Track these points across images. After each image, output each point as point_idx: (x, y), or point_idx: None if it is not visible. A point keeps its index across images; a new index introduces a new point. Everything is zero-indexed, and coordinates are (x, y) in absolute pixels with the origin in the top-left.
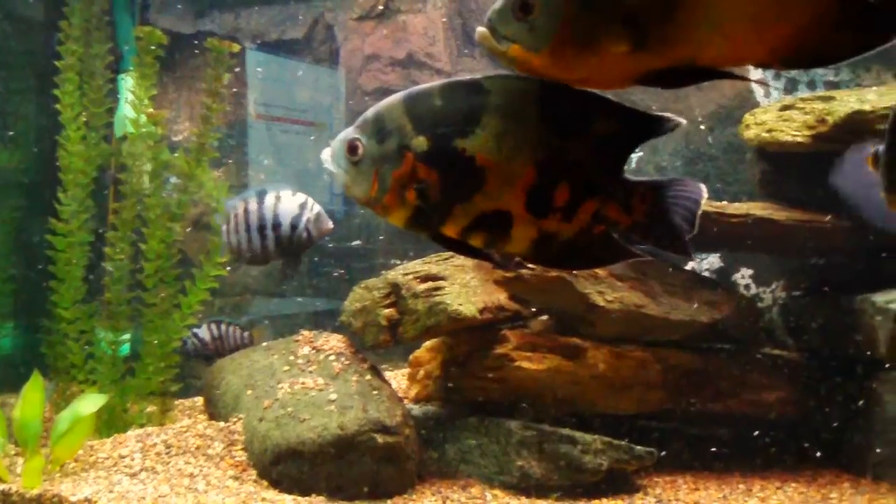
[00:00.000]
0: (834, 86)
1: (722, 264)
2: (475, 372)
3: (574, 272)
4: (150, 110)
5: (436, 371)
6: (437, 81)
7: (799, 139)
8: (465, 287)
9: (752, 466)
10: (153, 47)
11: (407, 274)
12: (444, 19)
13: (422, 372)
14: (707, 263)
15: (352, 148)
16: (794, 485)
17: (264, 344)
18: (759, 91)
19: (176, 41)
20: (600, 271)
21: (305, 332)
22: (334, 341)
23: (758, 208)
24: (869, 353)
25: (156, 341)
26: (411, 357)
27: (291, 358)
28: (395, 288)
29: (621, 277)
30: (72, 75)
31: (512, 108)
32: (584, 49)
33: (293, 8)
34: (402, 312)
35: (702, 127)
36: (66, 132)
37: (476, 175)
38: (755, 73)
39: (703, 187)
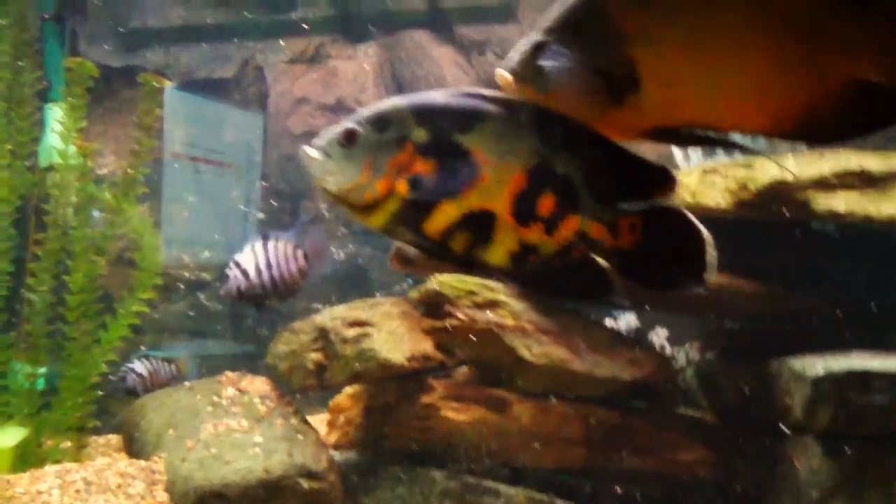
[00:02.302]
0: (750, 152)
1: (638, 324)
2: (401, 420)
3: (501, 325)
4: (79, 142)
5: (357, 418)
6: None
7: (722, 205)
8: (391, 334)
9: None
10: (84, 79)
11: (335, 319)
12: (374, 67)
13: (342, 418)
14: (624, 322)
15: (349, 134)
16: None
17: (187, 384)
18: (678, 154)
19: (104, 74)
20: (527, 325)
21: (229, 374)
22: (259, 383)
23: None
24: (783, 417)
25: (75, 376)
26: (331, 403)
27: (215, 398)
28: (322, 332)
29: (547, 332)
30: None
31: (511, 114)
32: (580, 97)
33: (224, 48)
34: (330, 357)
35: None
36: None
37: (471, 170)
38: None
39: (704, 229)
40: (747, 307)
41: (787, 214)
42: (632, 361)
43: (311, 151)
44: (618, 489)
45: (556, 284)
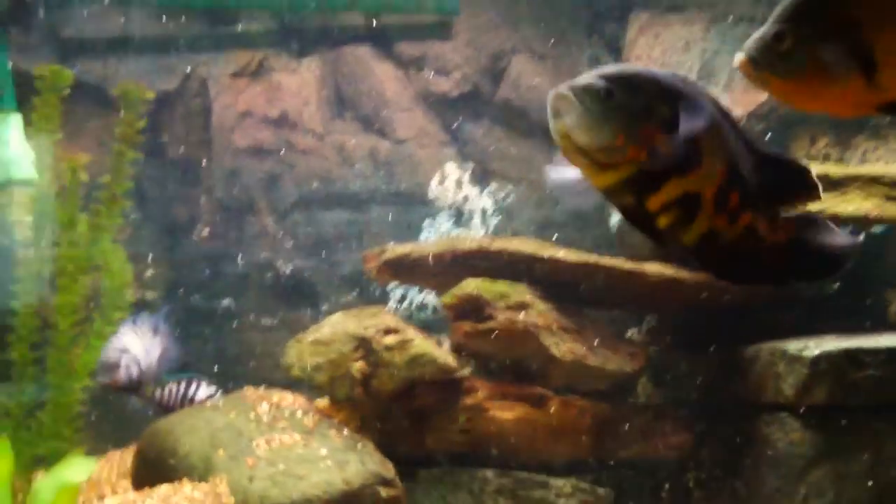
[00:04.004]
0: None
1: None
2: (438, 424)
3: (537, 325)
4: (69, 154)
5: (351, 424)
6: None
7: None
8: (425, 339)
9: None
10: (59, 87)
11: (367, 328)
12: (318, 81)
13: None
14: None
15: (608, 92)
16: None
17: (208, 404)
18: None
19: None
20: (553, 324)
21: (251, 389)
22: (291, 397)
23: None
24: (757, 397)
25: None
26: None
27: (253, 415)
28: (363, 341)
29: (567, 329)
30: None
31: (721, 109)
32: (829, 79)
33: (165, 60)
34: (375, 365)
35: (552, 196)
36: None
37: (698, 154)
38: None
39: (851, 236)
40: (688, 299)
41: None
42: (631, 355)
43: (569, 95)
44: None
45: (728, 267)
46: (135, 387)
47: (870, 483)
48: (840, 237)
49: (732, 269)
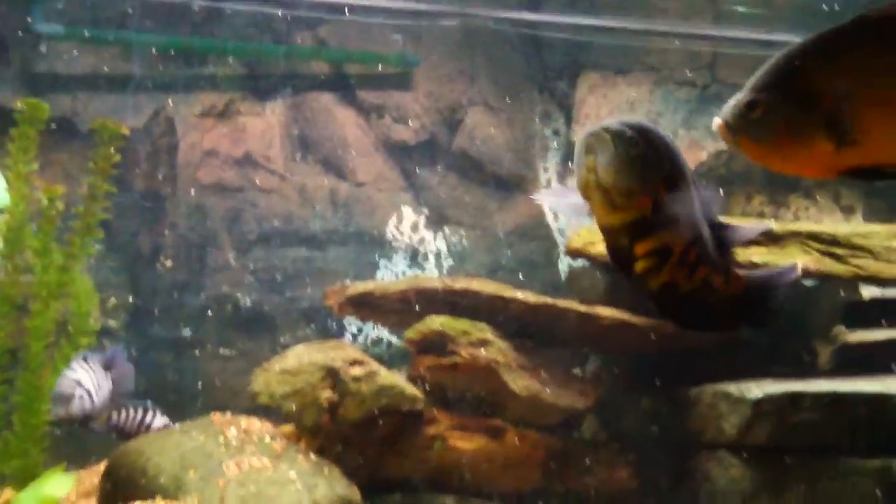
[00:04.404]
0: None
1: None
2: (403, 452)
3: (497, 361)
4: (45, 184)
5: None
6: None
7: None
8: (387, 371)
9: None
10: (37, 120)
11: (335, 359)
12: (281, 125)
13: None
14: None
15: (633, 142)
16: None
17: (177, 426)
18: (549, 215)
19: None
20: (512, 362)
21: (218, 415)
22: (258, 423)
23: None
24: (699, 436)
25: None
26: None
27: (222, 439)
28: (331, 371)
29: (523, 367)
30: None
31: (696, 184)
32: (798, 144)
33: (134, 97)
34: (343, 395)
35: (503, 241)
36: None
37: (684, 212)
38: None
39: (796, 272)
40: (640, 342)
41: None
42: (582, 393)
43: (606, 136)
44: None
45: (684, 314)
46: (87, 419)
47: None
48: (781, 290)
49: (688, 316)
